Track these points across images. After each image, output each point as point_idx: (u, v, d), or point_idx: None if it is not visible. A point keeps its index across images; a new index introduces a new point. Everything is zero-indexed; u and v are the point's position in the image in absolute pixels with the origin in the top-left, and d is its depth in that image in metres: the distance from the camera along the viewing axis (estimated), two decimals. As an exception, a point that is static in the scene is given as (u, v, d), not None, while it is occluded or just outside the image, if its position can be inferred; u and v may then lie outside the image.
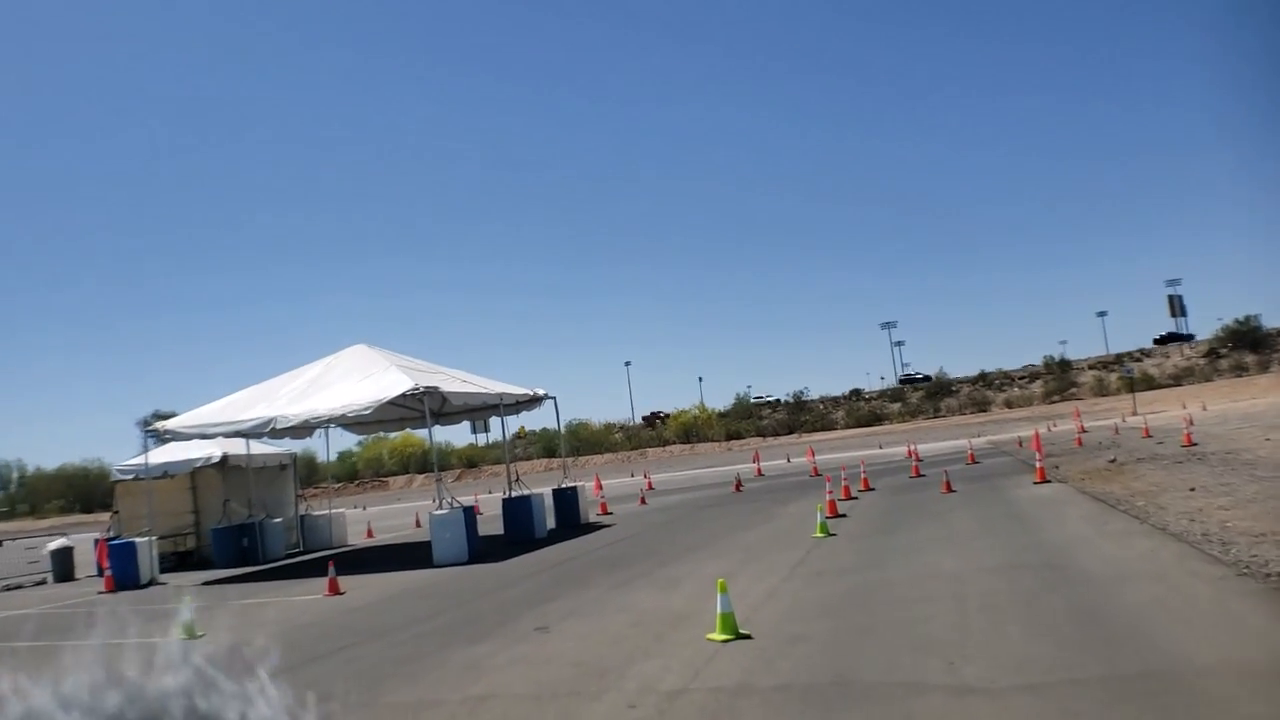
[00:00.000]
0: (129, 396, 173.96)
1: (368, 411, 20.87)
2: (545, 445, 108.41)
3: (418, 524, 33.26)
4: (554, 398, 26.86)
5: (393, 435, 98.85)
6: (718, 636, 9.39)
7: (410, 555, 22.75)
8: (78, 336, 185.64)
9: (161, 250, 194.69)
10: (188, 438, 23.56)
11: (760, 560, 15.12)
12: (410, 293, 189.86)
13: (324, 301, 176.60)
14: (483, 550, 20.34)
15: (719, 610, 9.47)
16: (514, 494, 23.96)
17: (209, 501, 28.31)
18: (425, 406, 20.94)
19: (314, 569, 22.63)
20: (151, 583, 22.66)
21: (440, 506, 20.10)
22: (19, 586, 25.29)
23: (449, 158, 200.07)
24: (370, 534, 30.85)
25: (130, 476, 26.98)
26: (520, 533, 23.13)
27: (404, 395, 20.76)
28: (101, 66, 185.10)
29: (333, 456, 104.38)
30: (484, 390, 23.51)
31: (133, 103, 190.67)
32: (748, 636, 9.37)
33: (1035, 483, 22.44)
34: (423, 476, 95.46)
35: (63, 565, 26.34)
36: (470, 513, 20.17)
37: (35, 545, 27.54)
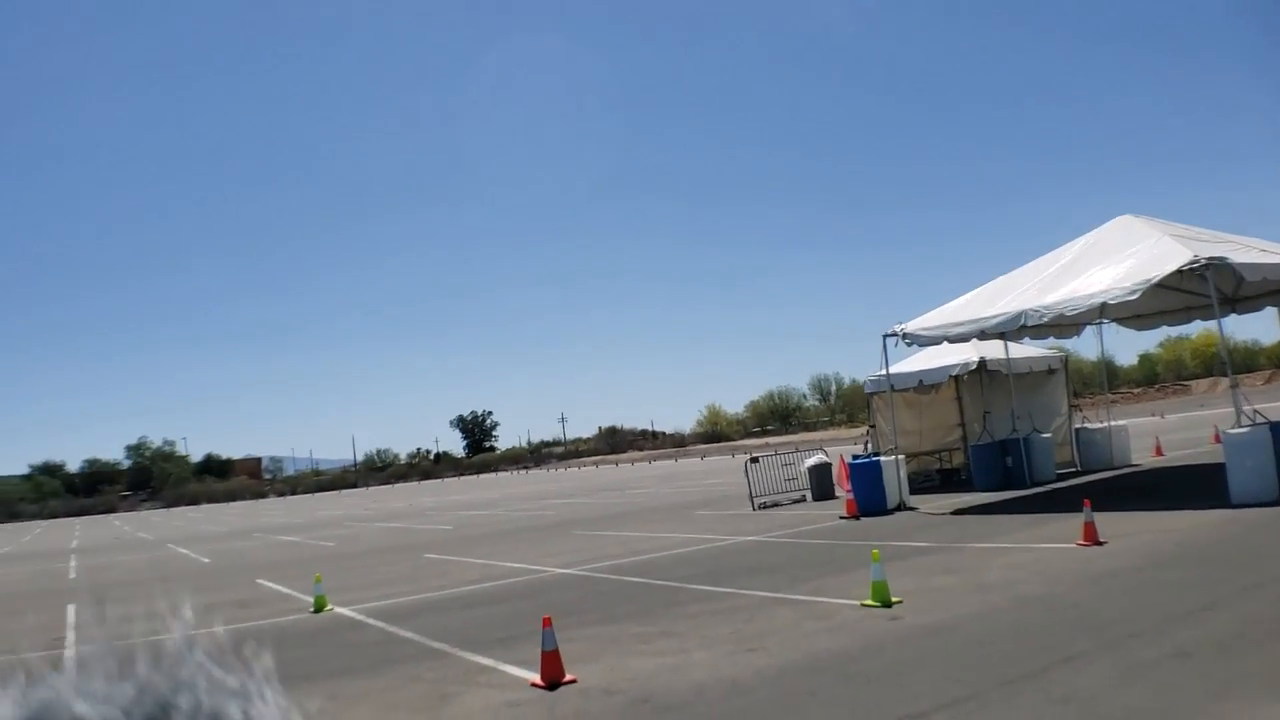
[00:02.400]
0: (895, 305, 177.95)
1: (1132, 296, 16.13)
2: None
3: (1216, 438, 27.19)
4: None
5: (1190, 333, 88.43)
6: None
7: (1201, 484, 17.68)
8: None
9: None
10: (929, 340, 20.71)
11: None
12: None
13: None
14: (1304, 484, 14.71)
15: None
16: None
17: (974, 414, 25.41)
18: (1211, 287, 15.60)
19: (1081, 499, 18.71)
20: (900, 507, 20.31)
21: (1238, 423, 14.80)
22: (776, 505, 24.55)
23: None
24: (1159, 450, 25.63)
25: (887, 388, 24.91)
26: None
27: (1179, 272, 15.72)
28: None
29: (1132, 359, 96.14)
30: (1296, 261, 17.30)
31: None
32: None
33: None
34: (1228, 380, 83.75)
35: (821, 482, 25.16)
36: (1277, 430, 14.61)
37: (792, 462, 26.64)
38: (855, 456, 22.07)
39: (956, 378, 25.41)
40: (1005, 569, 11.80)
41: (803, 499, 25.08)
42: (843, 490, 21.11)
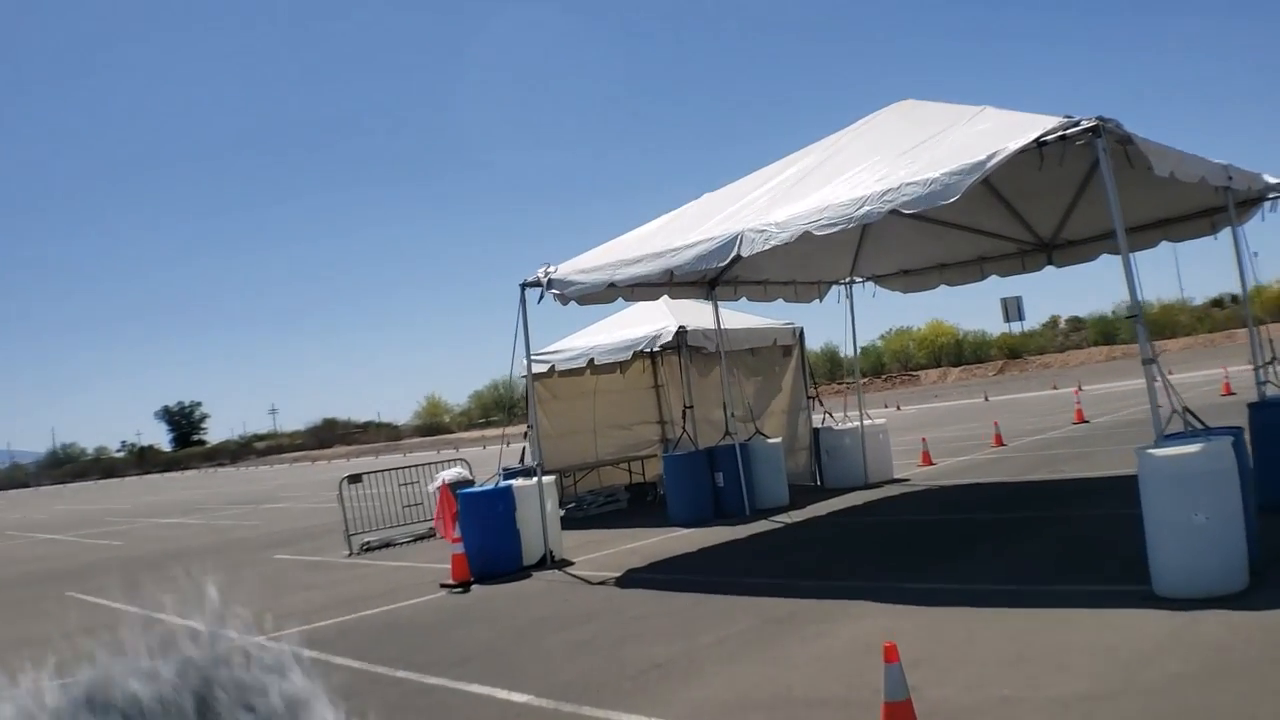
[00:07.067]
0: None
1: (947, 194, 8.39)
2: (1102, 331, 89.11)
3: (998, 440, 20.51)
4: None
5: (915, 324, 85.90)
6: None
7: (1045, 526, 10.50)
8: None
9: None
10: (590, 290, 12.43)
11: None
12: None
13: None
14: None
15: None
16: (1269, 395, 10.44)
17: (675, 408, 17.62)
18: (1105, 165, 7.81)
19: (837, 552, 11.27)
20: (544, 561, 12.24)
21: (1161, 433, 7.16)
22: (388, 545, 16.09)
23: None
24: (927, 459, 18.46)
25: (545, 368, 16.78)
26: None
27: (1036, 145, 8.14)
28: None
29: (854, 351, 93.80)
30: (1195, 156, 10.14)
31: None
32: None
33: None
34: (958, 370, 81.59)
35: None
36: (1240, 446, 7.19)
37: (415, 480, 17.91)
38: (506, 470, 13.92)
39: (651, 355, 17.66)
40: None
41: (431, 534, 16.61)
42: (447, 537, 12.92)
